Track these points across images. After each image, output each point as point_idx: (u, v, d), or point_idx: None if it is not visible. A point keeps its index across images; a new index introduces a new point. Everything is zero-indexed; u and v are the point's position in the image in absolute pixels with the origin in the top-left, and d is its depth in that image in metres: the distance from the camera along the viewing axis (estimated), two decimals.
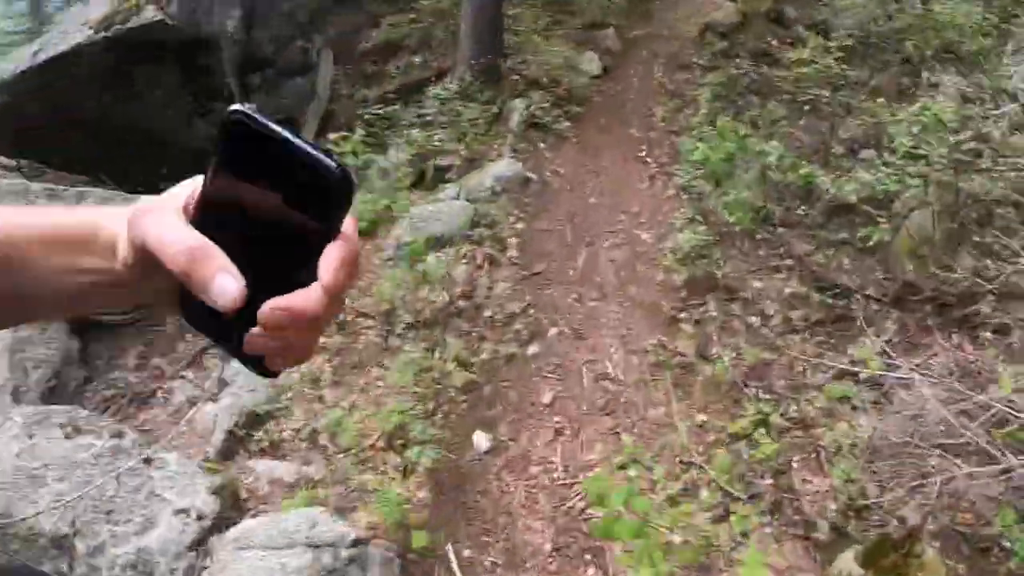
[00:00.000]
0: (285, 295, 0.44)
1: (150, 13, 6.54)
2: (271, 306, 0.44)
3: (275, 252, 0.44)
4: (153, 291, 0.50)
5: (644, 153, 5.70)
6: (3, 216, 0.51)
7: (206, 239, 0.44)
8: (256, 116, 0.43)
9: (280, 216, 0.43)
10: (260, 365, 0.48)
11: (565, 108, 6.26)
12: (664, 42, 7.75)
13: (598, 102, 6.52)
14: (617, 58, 7.41)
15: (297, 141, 0.43)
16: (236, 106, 0.43)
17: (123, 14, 6.62)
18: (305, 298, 0.44)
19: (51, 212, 0.61)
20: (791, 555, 2.78)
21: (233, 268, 0.44)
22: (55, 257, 0.50)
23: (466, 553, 2.99)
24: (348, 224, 0.45)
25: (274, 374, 0.50)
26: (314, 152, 0.42)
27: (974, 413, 2.89)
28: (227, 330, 0.46)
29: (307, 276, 0.44)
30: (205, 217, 0.45)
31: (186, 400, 4.10)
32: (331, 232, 0.44)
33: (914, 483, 2.80)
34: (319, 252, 0.44)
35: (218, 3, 6.67)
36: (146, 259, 0.46)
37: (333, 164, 0.42)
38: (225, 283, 0.43)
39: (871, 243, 4.15)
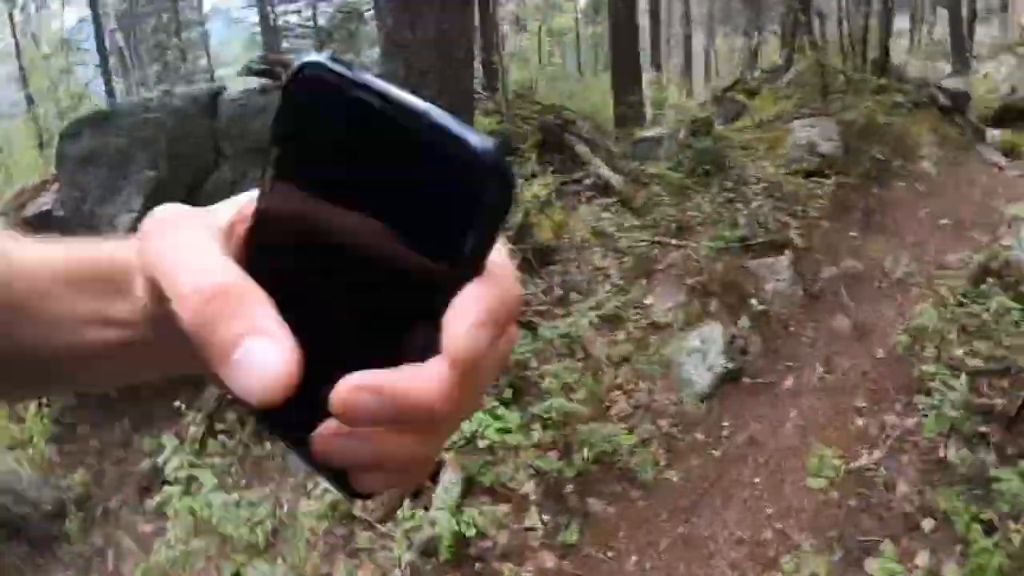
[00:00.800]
0: (377, 370, 0.24)
1: (46, 199, 4.61)
2: (353, 383, 0.24)
3: (370, 303, 0.25)
4: (190, 357, 0.27)
5: None
6: (27, 250, 0.36)
7: (243, 277, 0.25)
8: (345, 71, 0.24)
9: (381, 243, 0.24)
10: (345, 479, 0.27)
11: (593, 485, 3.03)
12: (886, 298, 4.11)
13: (677, 481, 3.13)
14: (777, 331, 3.93)
15: (419, 106, 0.23)
16: (309, 56, 0.24)
17: (29, 194, 4.77)
18: (413, 377, 0.24)
19: (86, 244, 0.37)
20: None
21: (276, 326, 0.24)
22: (81, 302, 0.34)
23: None
24: (498, 255, 0.25)
25: (364, 495, 0.29)
26: (449, 125, 0.23)
27: None
28: (298, 421, 0.26)
29: (424, 340, 0.24)
30: (259, 248, 0.26)
31: None
32: (467, 268, 0.24)
33: None
34: (445, 301, 0.24)
35: (110, 190, 4.54)
36: (165, 301, 0.26)
37: (480, 145, 0.23)
38: (257, 353, 0.23)
39: None
